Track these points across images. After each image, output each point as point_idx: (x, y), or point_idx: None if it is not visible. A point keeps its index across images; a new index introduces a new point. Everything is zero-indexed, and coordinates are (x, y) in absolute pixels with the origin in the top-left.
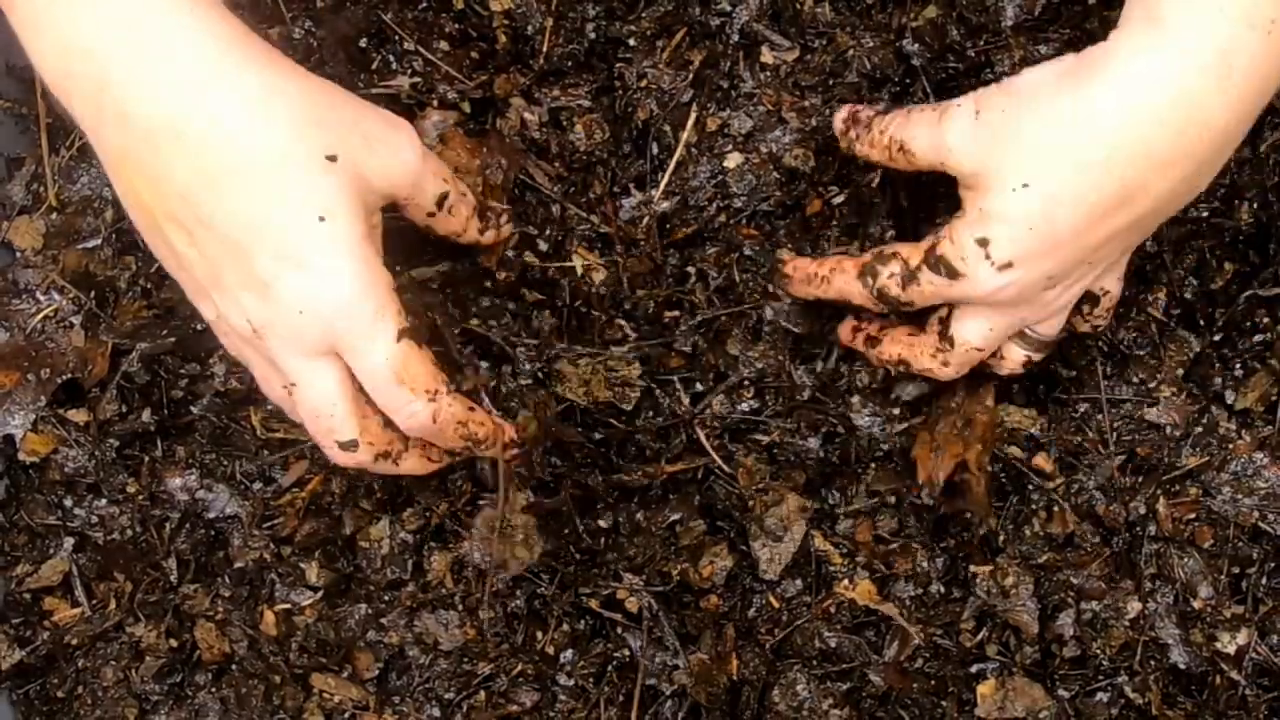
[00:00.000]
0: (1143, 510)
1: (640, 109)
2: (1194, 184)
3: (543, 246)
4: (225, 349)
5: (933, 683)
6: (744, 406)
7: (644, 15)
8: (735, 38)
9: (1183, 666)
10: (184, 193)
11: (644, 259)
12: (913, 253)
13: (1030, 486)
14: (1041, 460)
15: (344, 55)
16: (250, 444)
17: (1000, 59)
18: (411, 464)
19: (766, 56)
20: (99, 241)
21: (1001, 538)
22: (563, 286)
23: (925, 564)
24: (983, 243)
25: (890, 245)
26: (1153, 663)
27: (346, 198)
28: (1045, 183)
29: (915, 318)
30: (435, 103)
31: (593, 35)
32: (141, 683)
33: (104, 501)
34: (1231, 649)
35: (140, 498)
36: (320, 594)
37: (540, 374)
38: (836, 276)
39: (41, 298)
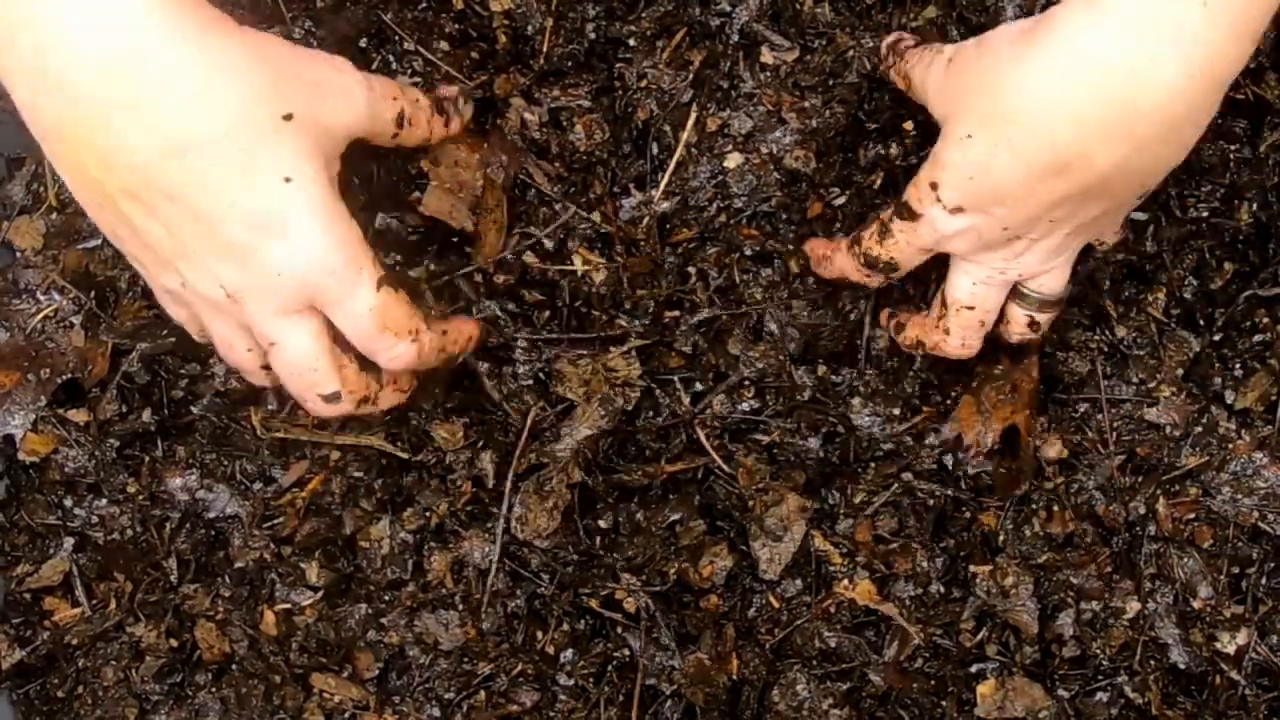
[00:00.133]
0: (1142, 510)
1: (640, 109)
2: (1149, 162)
3: (547, 244)
4: (173, 317)
5: (933, 683)
6: (744, 406)
7: (644, 15)
8: (735, 38)
9: (1182, 666)
10: (141, 165)
11: (644, 259)
12: (885, 212)
13: (1030, 486)
14: (1051, 449)
15: (344, 55)
16: (250, 444)
17: None
18: (388, 400)
19: (766, 57)
20: (99, 241)
21: (1001, 538)
22: (563, 286)
23: (925, 564)
24: (934, 186)
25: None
26: (1152, 663)
27: (308, 154)
28: (984, 135)
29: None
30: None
31: (593, 35)
32: (141, 683)
33: (104, 501)
34: (1231, 649)
35: (140, 498)
36: (320, 594)
37: (540, 374)
38: (836, 255)
39: (42, 298)
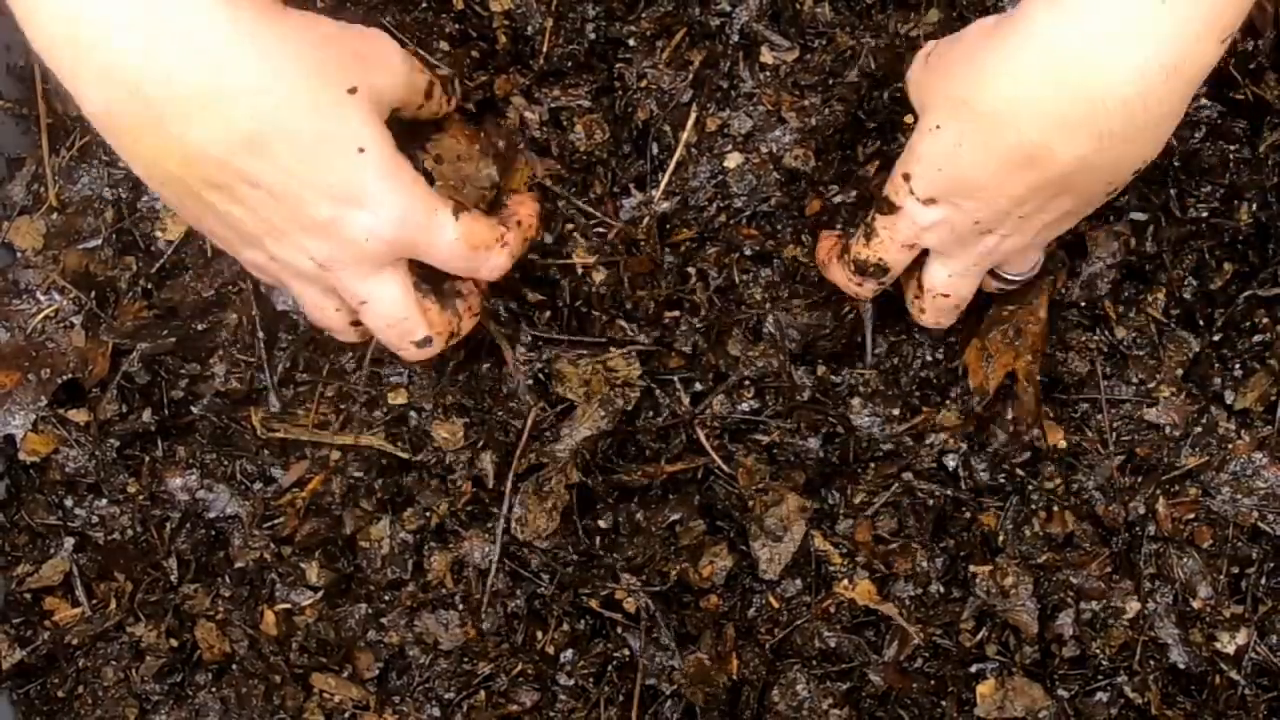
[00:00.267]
0: (1142, 510)
1: (640, 109)
2: (1113, 158)
3: (548, 239)
4: (260, 279)
5: (932, 683)
6: (744, 406)
7: (644, 15)
8: (735, 38)
9: (1182, 666)
10: (220, 157)
11: (644, 259)
12: (869, 214)
13: (1030, 486)
14: (1055, 436)
15: None
16: (250, 444)
17: None
18: (467, 326)
19: (766, 56)
20: (99, 241)
21: (1001, 538)
22: (563, 286)
23: (925, 564)
24: (907, 177)
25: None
26: (1152, 662)
27: (374, 121)
28: (951, 126)
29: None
30: None
31: (593, 35)
32: (142, 682)
33: (104, 501)
34: (1231, 649)
35: (140, 498)
36: (320, 594)
37: (540, 374)
38: (831, 266)
39: (42, 298)
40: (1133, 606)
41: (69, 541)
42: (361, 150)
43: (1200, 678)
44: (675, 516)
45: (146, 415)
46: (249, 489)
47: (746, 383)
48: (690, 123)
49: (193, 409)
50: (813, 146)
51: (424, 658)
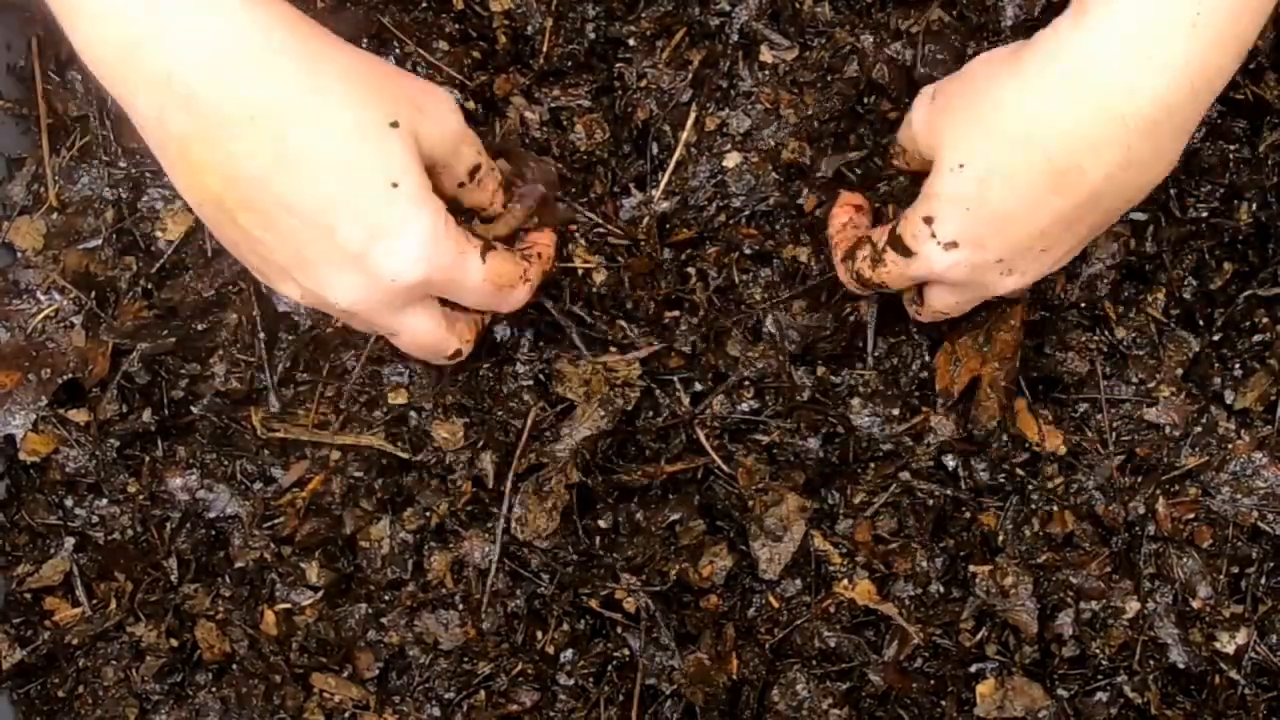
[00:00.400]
0: (1142, 510)
1: (640, 109)
2: (1136, 175)
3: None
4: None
5: (932, 682)
6: (744, 407)
7: (644, 15)
8: (735, 37)
9: (1182, 666)
10: (260, 177)
11: (644, 259)
12: (880, 235)
13: (1030, 486)
14: (1054, 441)
15: None
16: (250, 444)
17: None
18: (527, 293)
19: (766, 56)
20: (100, 242)
21: (1001, 538)
22: (563, 286)
23: (925, 564)
24: (928, 221)
25: (870, 230)
26: (1152, 662)
27: (411, 158)
28: (977, 163)
29: None
30: None
31: (593, 35)
32: (142, 682)
33: (105, 501)
34: (1230, 648)
35: (141, 498)
36: (320, 594)
37: (540, 374)
38: (836, 251)
39: (42, 298)
40: (1132, 606)
41: (69, 541)
42: (395, 185)
43: (1200, 677)
44: (675, 516)
45: (146, 415)
46: (249, 489)
47: (746, 383)
48: (690, 122)
49: (193, 409)
50: (806, 135)
51: (424, 658)
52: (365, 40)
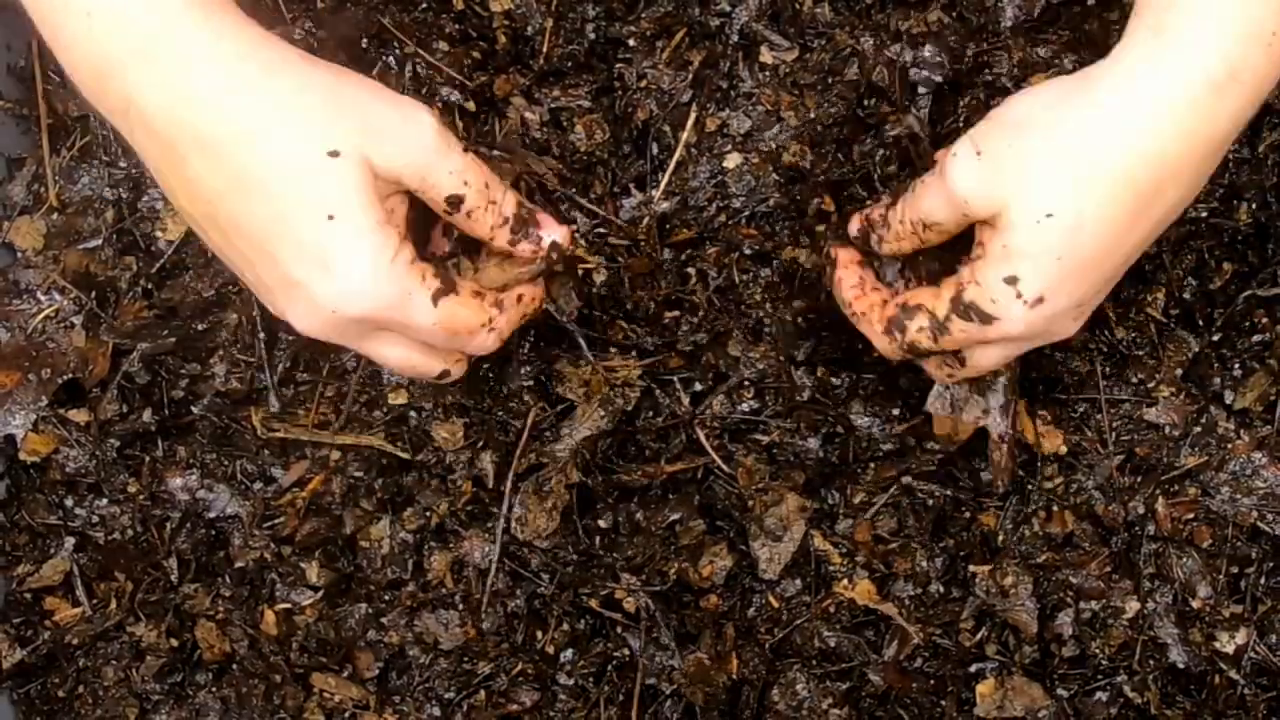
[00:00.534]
0: (1141, 510)
1: (640, 109)
2: (1197, 187)
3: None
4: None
5: (932, 682)
6: (744, 407)
7: (644, 15)
8: (735, 38)
9: (1181, 666)
10: (213, 198)
11: (644, 259)
12: (936, 302)
13: (1030, 486)
14: (1054, 442)
15: (345, 56)
16: (250, 444)
17: (999, 59)
18: (494, 342)
19: (766, 56)
20: (100, 242)
21: (1001, 538)
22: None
23: (925, 564)
24: (1011, 281)
25: (910, 294)
26: (1151, 662)
27: (354, 190)
28: (1067, 209)
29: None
30: (439, 104)
31: (593, 35)
32: (142, 682)
33: (105, 501)
34: (1230, 648)
35: (141, 497)
36: (320, 594)
37: (540, 374)
38: (863, 324)
39: (42, 298)
40: (1132, 606)
41: (69, 541)
42: (331, 218)
43: (1200, 677)
44: (675, 516)
45: (147, 415)
46: (249, 489)
47: (746, 383)
48: (690, 123)
49: (193, 409)
50: (808, 139)
51: (424, 657)
52: (365, 40)
